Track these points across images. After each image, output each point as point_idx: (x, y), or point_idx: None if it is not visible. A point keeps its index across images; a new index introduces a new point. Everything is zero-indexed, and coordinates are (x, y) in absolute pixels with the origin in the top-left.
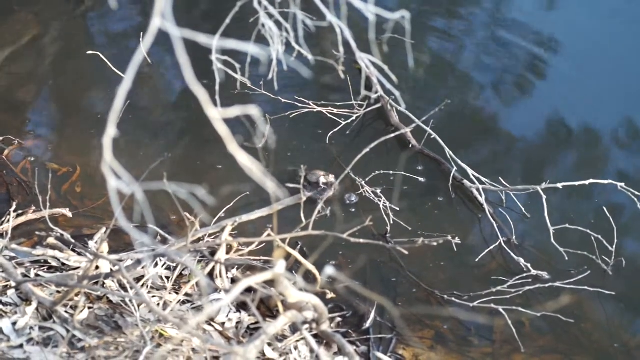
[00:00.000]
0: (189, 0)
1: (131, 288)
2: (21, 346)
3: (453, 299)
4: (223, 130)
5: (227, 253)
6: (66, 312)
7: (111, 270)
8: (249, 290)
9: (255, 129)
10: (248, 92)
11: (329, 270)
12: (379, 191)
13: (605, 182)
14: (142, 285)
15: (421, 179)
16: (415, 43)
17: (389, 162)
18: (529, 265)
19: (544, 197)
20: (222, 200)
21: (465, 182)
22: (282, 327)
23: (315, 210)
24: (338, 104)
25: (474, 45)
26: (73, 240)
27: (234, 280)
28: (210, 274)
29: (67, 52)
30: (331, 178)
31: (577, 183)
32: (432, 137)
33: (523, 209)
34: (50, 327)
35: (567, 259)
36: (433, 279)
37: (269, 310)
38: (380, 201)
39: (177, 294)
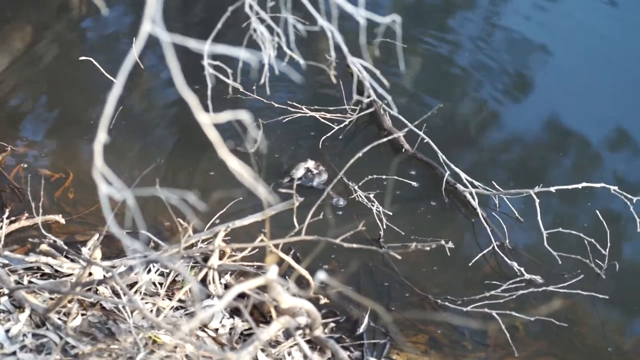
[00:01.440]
0: (181, 5)
1: (124, 294)
2: (14, 353)
3: (447, 303)
4: (213, 135)
5: (220, 259)
6: (59, 319)
7: (104, 276)
8: (242, 296)
9: (247, 134)
10: (240, 97)
11: (322, 275)
12: (371, 195)
13: (598, 185)
14: (135, 292)
15: (414, 183)
16: (407, 47)
17: (381, 166)
18: (522, 269)
19: (537, 200)
20: (215, 206)
21: (458, 186)
22: (276, 332)
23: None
24: (331, 108)
25: (468, 48)
26: (66, 247)
27: (227, 286)
28: (203, 280)
29: (60, 58)
30: (311, 162)
31: (570, 187)
32: (425, 141)
33: (516, 212)
34: (43, 334)
35: (560, 262)
36: (426, 283)
37: (262, 315)
38: (373, 206)
39: (170, 300)
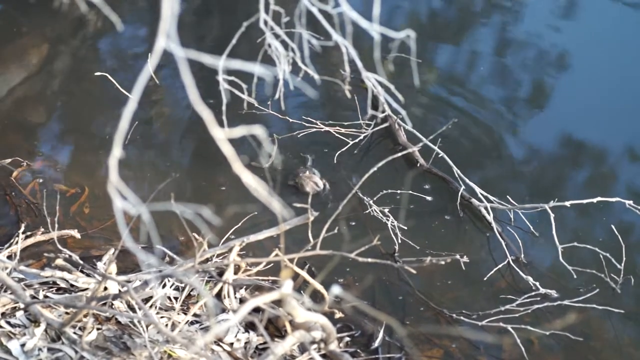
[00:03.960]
0: (196, 21)
1: (139, 309)
2: None
3: (461, 317)
4: (228, 150)
5: (235, 273)
6: (75, 333)
7: (119, 291)
8: (257, 310)
9: (261, 149)
10: (255, 112)
11: (337, 289)
12: (386, 210)
13: (613, 199)
14: (151, 306)
15: (429, 198)
16: (422, 62)
17: (396, 181)
18: (537, 283)
19: (552, 215)
20: (230, 221)
21: (473, 200)
22: (290, 347)
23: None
24: (345, 123)
25: (482, 62)
26: (81, 262)
27: (242, 301)
28: (218, 295)
29: (75, 73)
30: (301, 180)
31: (585, 201)
32: (439, 155)
33: (531, 227)
34: (58, 349)
35: (575, 277)
36: (441, 297)
37: (277, 330)
38: (387, 220)
39: (185, 314)
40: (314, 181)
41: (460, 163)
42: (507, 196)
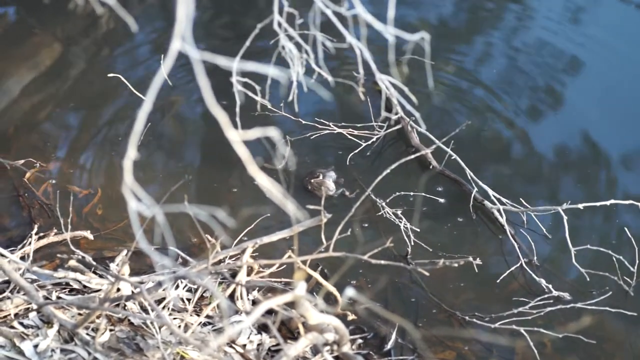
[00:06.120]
0: (210, 22)
1: (152, 310)
2: None
3: (474, 320)
4: (243, 152)
5: (248, 275)
6: (87, 334)
7: (132, 292)
8: (270, 312)
9: (276, 151)
10: (268, 113)
11: (350, 291)
12: (399, 212)
13: (626, 202)
14: (163, 307)
15: (442, 200)
16: (435, 64)
17: (409, 183)
18: (550, 286)
19: (565, 217)
20: (243, 222)
21: (486, 202)
22: (303, 348)
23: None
24: (358, 125)
25: (495, 64)
26: (94, 263)
27: (254, 302)
28: (231, 296)
29: (88, 74)
30: (313, 186)
31: (598, 204)
32: (452, 158)
33: (544, 229)
34: (71, 350)
35: (588, 279)
36: (454, 300)
37: (290, 332)
38: (400, 222)
39: (198, 316)
40: (325, 186)
41: (473, 165)
42: (520, 198)
